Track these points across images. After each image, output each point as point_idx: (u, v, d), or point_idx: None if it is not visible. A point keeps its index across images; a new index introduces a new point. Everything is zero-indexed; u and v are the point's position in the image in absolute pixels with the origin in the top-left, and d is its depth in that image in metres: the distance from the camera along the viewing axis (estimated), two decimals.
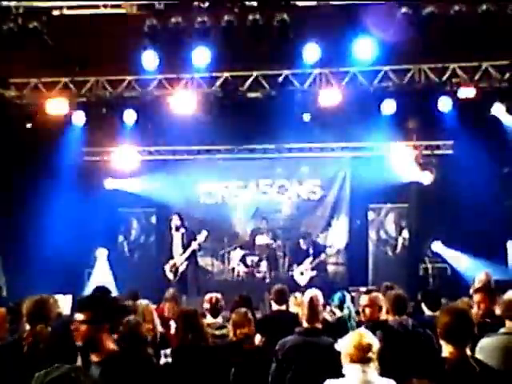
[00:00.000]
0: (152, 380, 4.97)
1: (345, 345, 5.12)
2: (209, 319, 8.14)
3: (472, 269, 13.90)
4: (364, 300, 7.12)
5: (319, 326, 6.53)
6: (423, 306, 8.05)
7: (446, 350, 4.56)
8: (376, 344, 5.08)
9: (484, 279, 9.27)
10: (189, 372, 5.93)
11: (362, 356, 4.97)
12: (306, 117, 15.19)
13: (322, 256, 16.98)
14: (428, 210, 17.01)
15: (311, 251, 16.93)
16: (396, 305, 7.00)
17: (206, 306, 8.28)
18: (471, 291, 8.27)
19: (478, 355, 5.13)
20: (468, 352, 4.57)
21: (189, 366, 6.03)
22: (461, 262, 15.95)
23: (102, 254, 17.37)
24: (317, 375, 5.71)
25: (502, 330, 5.81)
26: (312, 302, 6.65)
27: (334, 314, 9.43)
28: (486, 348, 5.38)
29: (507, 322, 5.85)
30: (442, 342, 4.61)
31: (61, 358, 4.77)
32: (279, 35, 12.41)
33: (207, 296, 8.44)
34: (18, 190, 15.65)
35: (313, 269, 16.68)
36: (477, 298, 7.53)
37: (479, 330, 5.04)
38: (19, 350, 5.53)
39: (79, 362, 5.61)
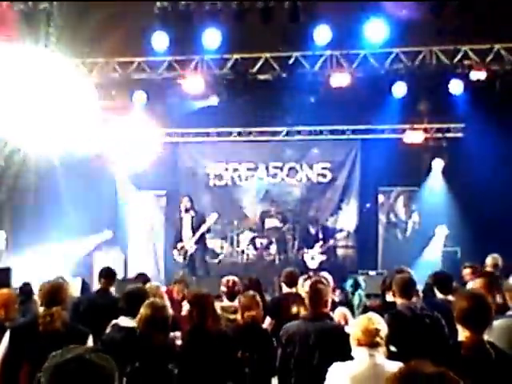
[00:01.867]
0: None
1: (353, 329, 5.16)
2: (225, 302, 8.14)
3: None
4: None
5: (325, 310, 6.48)
6: (435, 288, 8.01)
7: (463, 334, 4.52)
8: (384, 328, 5.10)
9: (491, 263, 9.25)
10: (199, 355, 5.92)
11: (369, 340, 5.00)
12: (313, 99, 15.12)
13: (332, 240, 16.98)
14: (438, 194, 16.96)
15: (320, 234, 16.92)
16: (403, 288, 6.96)
17: (223, 289, 8.26)
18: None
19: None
20: (485, 337, 4.53)
21: (199, 350, 6.02)
22: None
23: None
24: (321, 359, 5.73)
25: (510, 313, 5.79)
26: (315, 287, 6.62)
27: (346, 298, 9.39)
28: (494, 330, 5.35)
29: None
30: (459, 327, 4.57)
31: (76, 340, 4.82)
32: (290, 17, 12.38)
33: (224, 279, 8.42)
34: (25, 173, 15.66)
35: (323, 253, 16.66)
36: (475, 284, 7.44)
37: None
38: (35, 330, 5.57)
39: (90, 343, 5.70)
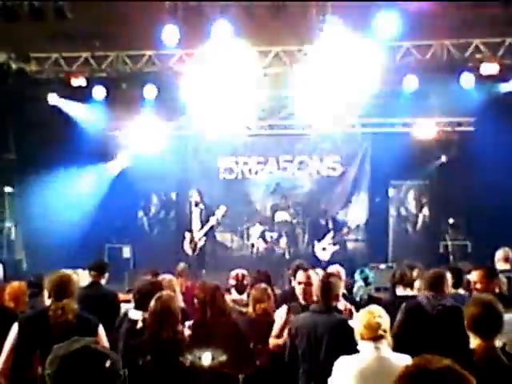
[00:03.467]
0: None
1: (356, 323, 5.19)
2: (234, 295, 8.16)
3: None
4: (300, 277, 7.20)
5: (333, 303, 6.47)
6: None
7: (474, 342, 4.50)
8: (386, 321, 5.12)
9: (502, 256, 9.21)
10: (205, 347, 5.95)
11: (372, 334, 5.03)
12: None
13: (342, 232, 16.98)
14: (449, 187, 16.91)
15: (331, 227, 16.91)
16: (431, 282, 6.92)
17: (232, 282, 8.28)
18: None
19: None
20: (497, 344, 4.52)
21: (206, 340, 6.04)
22: None
23: None
24: (328, 352, 5.75)
25: None
26: (326, 280, 6.63)
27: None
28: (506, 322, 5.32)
29: None
30: (470, 334, 4.54)
31: (86, 330, 4.85)
32: (300, 10, 12.34)
33: (233, 272, 8.44)
34: (38, 165, 15.72)
35: (334, 244, 16.66)
36: (474, 277, 7.41)
37: None
38: (45, 321, 5.58)
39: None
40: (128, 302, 7.04)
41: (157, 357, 5.47)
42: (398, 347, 5.22)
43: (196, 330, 6.27)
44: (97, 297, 8.12)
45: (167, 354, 5.39)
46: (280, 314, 7.06)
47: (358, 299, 8.22)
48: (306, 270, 7.48)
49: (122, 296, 9.92)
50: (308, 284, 7.03)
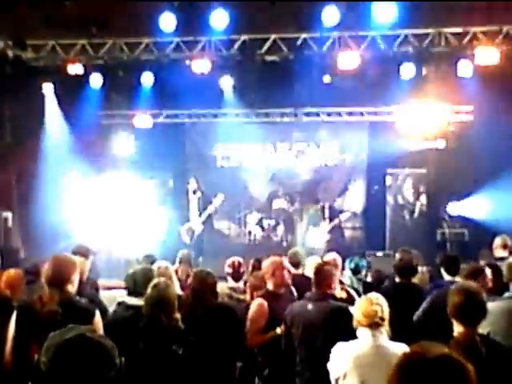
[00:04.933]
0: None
1: (354, 311, 5.20)
2: (230, 283, 8.16)
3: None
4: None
5: (329, 291, 6.47)
6: (442, 270, 8.01)
7: (456, 329, 4.54)
8: (384, 309, 5.13)
9: (500, 243, 9.23)
10: (198, 333, 5.96)
11: (369, 321, 5.05)
12: (327, 78, 15.07)
13: (339, 220, 17.01)
14: (446, 176, 16.91)
15: (328, 215, 16.95)
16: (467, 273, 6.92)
17: (228, 270, 8.26)
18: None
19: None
20: (480, 331, 4.55)
21: (197, 328, 6.05)
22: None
23: None
24: (325, 340, 5.76)
25: (507, 294, 5.77)
26: (321, 267, 6.64)
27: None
28: (491, 312, 5.34)
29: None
30: (453, 321, 4.58)
31: (79, 319, 4.82)
32: None
33: (229, 260, 8.43)
34: (33, 151, 15.71)
35: (329, 232, 16.70)
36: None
37: None
38: (33, 311, 5.49)
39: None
40: (124, 288, 7.00)
41: (150, 344, 5.47)
42: (419, 333, 5.24)
43: (189, 318, 6.26)
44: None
45: (160, 342, 5.39)
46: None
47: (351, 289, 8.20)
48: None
49: (116, 283, 9.92)
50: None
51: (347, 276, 9.17)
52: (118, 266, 15.19)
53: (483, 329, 4.67)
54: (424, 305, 7.05)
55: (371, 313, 5.08)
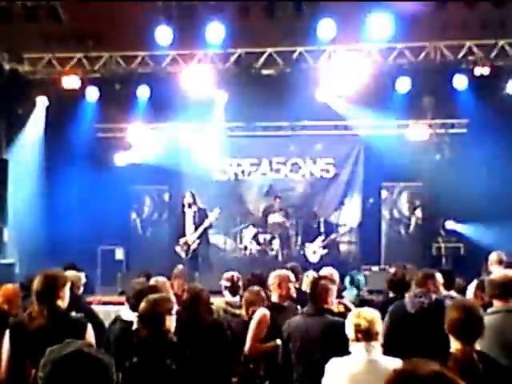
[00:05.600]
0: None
1: (347, 325, 5.17)
2: (227, 297, 8.14)
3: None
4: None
5: (326, 305, 6.45)
6: None
7: (454, 345, 4.52)
8: (377, 324, 5.09)
9: (496, 259, 9.21)
10: (194, 349, 5.93)
11: (362, 336, 5.01)
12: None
13: (334, 234, 17.00)
14: (442, 190, 16.89)
15: (323, 230, 16.92)
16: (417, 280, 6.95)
17: (226, 283, 8.25)
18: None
19: None
20: (477, 347, 4.52)
21: (190, 343, 6.02)
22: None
23: None
24: (322, 354, 5.72)
25: (490, 310, 5.74)
26: (317, 282, 6.62)
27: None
28: None
29: (494, 302, 5.76)
30: (451, 338, 4.56)
31: (71, 333, 4.77)
32: (294, 11, 12.35)
33: (227, 274, 8.42)
34: (30, 166, 15.69)
35: (324, 247, 16.67)
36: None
37: None
38: (25, 326, 5.42)
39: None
40: (121, 304, 6.99)
41: (143, 359, 5.43)
42: (387, 349, 5.20)
43: (182, 334, 6.23)
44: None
45: (153, 356, 5.35)
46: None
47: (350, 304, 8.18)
48: None
49: (114, 298, 9.89)
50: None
51: (352, 295, 9.15)
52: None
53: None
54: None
55: (363, 328, 5.04)
